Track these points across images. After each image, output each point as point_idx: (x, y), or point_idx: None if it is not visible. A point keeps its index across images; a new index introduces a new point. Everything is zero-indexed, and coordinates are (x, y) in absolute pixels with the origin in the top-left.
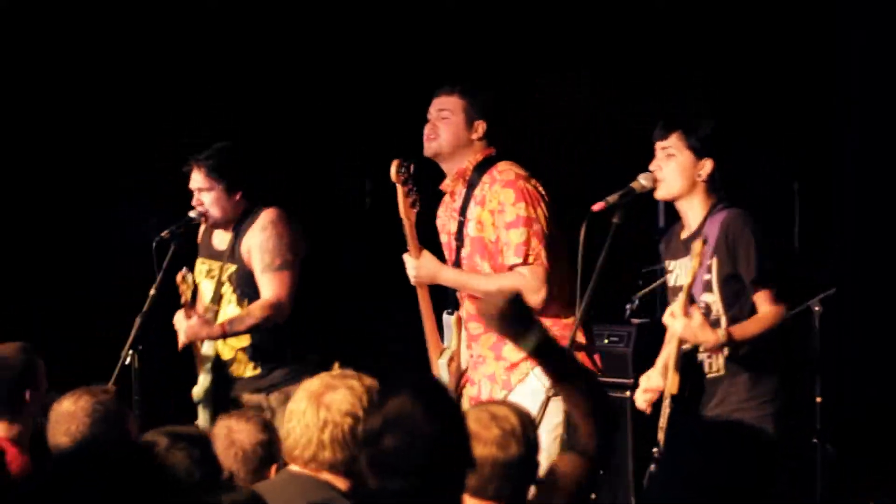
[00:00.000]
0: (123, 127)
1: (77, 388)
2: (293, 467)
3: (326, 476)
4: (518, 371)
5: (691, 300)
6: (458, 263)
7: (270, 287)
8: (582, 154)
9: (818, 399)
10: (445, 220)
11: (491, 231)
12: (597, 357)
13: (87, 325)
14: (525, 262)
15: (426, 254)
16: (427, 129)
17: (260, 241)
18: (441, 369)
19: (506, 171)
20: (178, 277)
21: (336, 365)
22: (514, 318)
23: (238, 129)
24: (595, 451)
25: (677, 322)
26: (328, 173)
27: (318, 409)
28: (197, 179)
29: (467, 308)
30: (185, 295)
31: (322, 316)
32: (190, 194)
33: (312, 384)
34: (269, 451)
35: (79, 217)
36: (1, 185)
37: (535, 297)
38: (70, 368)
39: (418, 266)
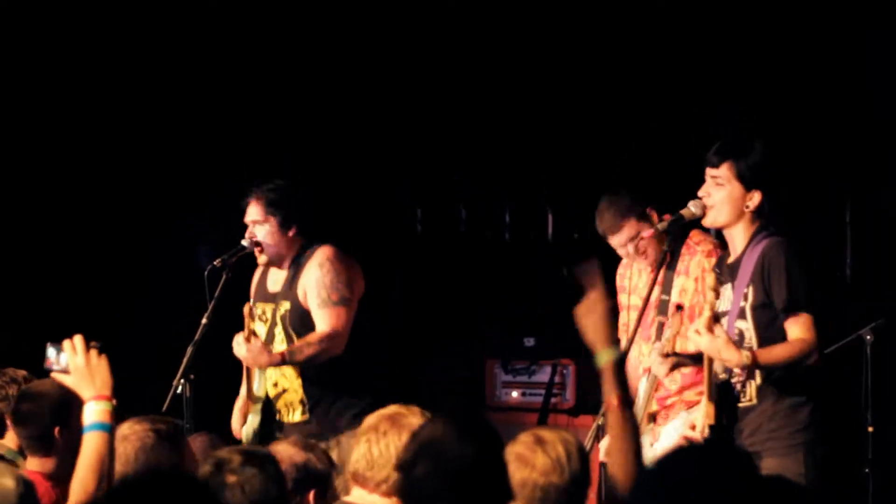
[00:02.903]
0: (181, 161)
1: (136, 415)
2: (349, 497)
3: (390, 502)
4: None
5: (716, 318)
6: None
7: (327, 321)
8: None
9: (870, 429)
10: (642, 289)
11: (692, 296)
12: None
13: (138, 353)
14: None
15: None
16: (631, 254)
17: (316, 277)
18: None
19: (702, 241)
20: (245, 309)
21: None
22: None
23: (290, 163)
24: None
25: (702, 339)
26: (378, 202)
27: (400, 432)
28: (252, 212)
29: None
30: (249, 327)
31: (372, 363)
32: (243, 227)
33: (388, 410)
34: (305, 475)
35: (133, 247)
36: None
37: None
38: (121, 397)
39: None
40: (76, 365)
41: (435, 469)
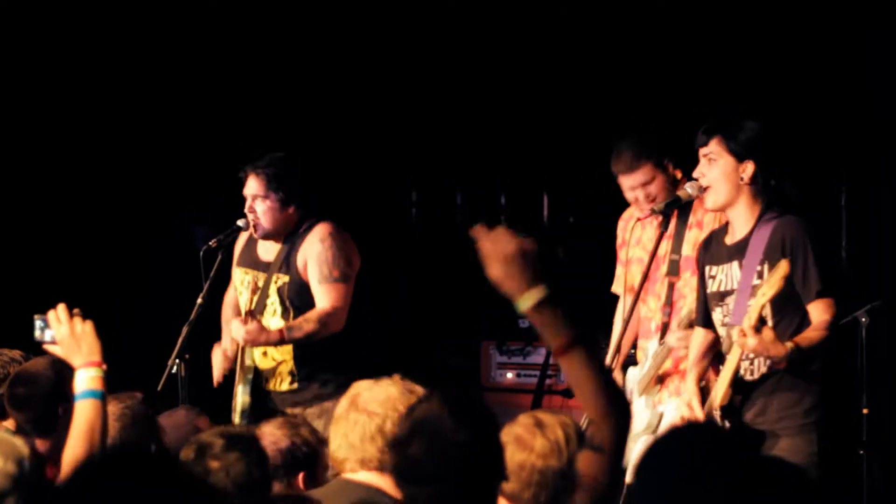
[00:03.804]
0: (181, 157)
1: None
2: (346, 474)
3: (376, 477)
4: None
5: (721, 297)
6: (645, 278)
7: (328, 297)
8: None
9: (865, 411)
10: (647, 241)
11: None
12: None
13: (133, 334)
14: None
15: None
16: (640, 200)
17: (318, 252)
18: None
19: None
20: (251, 285)
21: (396, 377)
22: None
23: (286, 144)
24: (612, 448)
25: (749, 339)
26: (374, 185)
27: (350, 411)
28: (253, 186)
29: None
30: (252, 302)
31: (363, 337)
32: (238, 204)
33: (354, 388)
34: (291, 460)
35: (130, 228)
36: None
37: None
38: (116, 378)
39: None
40: (62, 335)
41: (430, 449)
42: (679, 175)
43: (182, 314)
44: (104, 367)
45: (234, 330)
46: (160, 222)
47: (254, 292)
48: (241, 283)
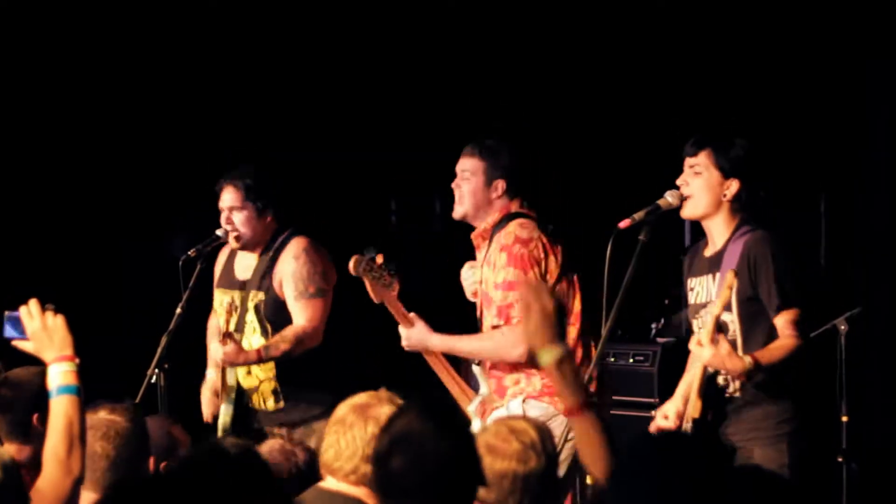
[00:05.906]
0: (165, 162)
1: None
2: (324, 483)
3: (361, 491)
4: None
5: (718, 328)
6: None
7: (304, 314)
8: (609, 172)
9: (844, 418)
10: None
11: (487, 287)
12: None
13: (112, 344)
14: (507, 323)
15: (418, 323)
16: (455, 192)
17: (293, 269)
18: (472, 416)
19: (509, 233)
20: (228, 305)
21: (383, 389)
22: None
23: (265, 152)
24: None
25: (705, 351)
26: (352, 193)
27: (366, 423)
28: (228, 199)
29: None
30: (229, 323)
31: (345, 351)
32: (216, 214)
33: (358, 398)
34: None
35: (108, 238)
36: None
37: (514, 351)
38: (96, 387)
39: (408, 336)
40: (33, 329)
41: (413, 463)
42: (497, 198)
43: (161, 324)
44: (77, 360)
45: (213, 352)
46: (140, 231)
47: (229, 313)
48: (219, 305)
